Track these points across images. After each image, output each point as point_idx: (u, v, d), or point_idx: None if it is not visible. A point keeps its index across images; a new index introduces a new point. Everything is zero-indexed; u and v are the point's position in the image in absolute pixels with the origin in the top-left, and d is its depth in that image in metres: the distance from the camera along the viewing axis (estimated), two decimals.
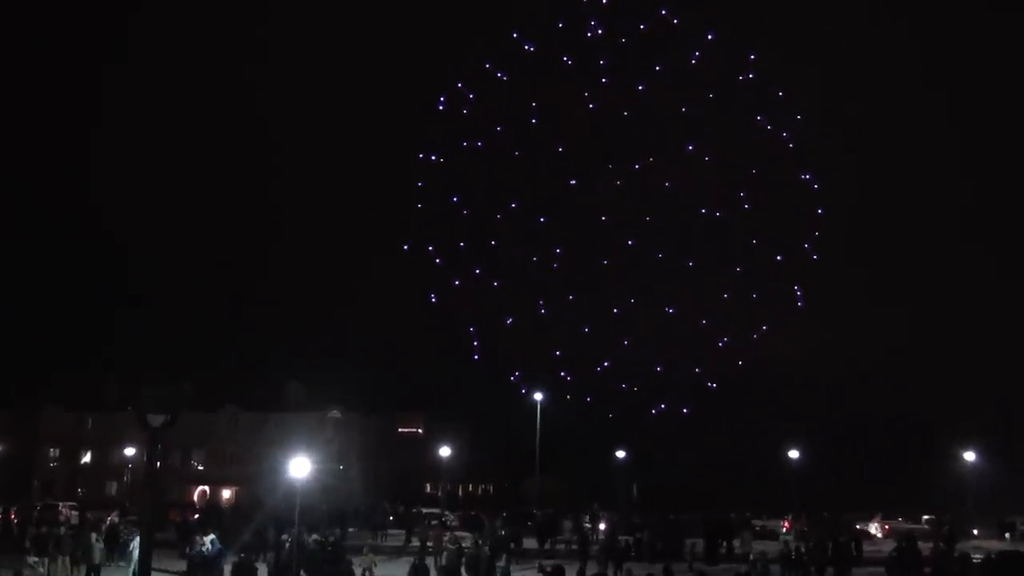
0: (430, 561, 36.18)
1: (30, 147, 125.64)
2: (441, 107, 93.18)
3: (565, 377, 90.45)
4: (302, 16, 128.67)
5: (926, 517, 60.19)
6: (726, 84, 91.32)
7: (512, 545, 41.60)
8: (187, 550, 34.79)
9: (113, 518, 45.72)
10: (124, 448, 79.63)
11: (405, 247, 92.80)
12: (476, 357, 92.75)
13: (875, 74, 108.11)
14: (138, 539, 28.62)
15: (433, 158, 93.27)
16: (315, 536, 36.04)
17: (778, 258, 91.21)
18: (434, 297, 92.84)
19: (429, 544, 43.86)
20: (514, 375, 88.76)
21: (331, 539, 36.27)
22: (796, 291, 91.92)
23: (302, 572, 32.14)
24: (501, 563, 32.75)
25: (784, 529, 58.77)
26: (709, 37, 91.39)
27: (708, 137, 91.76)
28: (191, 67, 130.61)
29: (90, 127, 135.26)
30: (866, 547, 45.49)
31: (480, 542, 36.77)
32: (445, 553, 36.47)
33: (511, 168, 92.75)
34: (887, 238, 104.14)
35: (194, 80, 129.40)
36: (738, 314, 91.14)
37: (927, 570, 36.13)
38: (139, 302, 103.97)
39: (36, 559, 32.97)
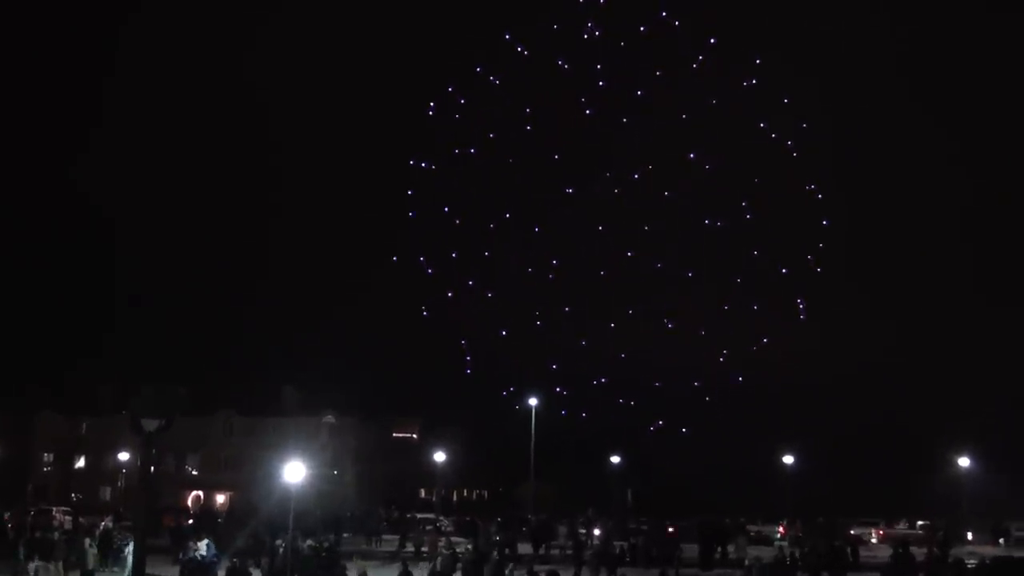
0: (423, 566, 36.22)
1: (27, 146, 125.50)
2: (431, 112, 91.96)
3: (561, 392, 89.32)
4: (296, 19, 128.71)
5: (921, 522, 60.21)
6: (728, 90, 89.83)
7: (507, 551, 41.57)
8: (181, 555, 34.78)
9: (107, 523, 45.65)
10: (118, 453, 79.42)
11: (394, 258, 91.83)
12: (468, 372, 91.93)
13: (877, 78, 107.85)
14: (132, 544, 28.58)
15: (424, 165, 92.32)
16: (309, 541, 36.02)
17: (783, 271, 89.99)
18: (425, 311, 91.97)
19: (424, 549, 43.83)
20: (508, 390, 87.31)
21: (325, 544, 36.25)
22: (798, 304, 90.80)
23: None
24: (508, 570, 32.81)
25: (779, 534, 58.79)
26: (711, 41, 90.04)
27: (709, 144, 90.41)
28: (189, 69, 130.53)
29: (88, 129, 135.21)
30: (862, 552, 45.56)
31: (484, 548, 36.82)
32: (439, 558, 36.46)
33: (505, 176, 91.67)
34: (884, 243, 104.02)
35: (191, 83, 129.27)
36: (738, 326, 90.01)
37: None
38: (134, 305, 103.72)
39: (41, 563, 32.88)
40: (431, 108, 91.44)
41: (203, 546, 33.36)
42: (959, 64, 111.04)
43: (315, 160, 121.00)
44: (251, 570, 32.54)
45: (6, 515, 55.48)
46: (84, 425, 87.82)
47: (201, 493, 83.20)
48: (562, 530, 53.66)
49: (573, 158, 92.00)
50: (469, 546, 39.62)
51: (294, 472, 32.92)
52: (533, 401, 68.31)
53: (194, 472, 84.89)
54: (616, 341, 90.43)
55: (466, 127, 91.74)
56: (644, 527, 56.44)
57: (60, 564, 34.48)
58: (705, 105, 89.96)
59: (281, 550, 33.73)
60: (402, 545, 50.06)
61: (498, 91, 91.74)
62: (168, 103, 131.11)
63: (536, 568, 33.48)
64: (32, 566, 32.44)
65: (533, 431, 67.34)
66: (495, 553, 34.79)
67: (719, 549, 46.92)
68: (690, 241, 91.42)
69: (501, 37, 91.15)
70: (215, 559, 33.16)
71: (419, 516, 64.52)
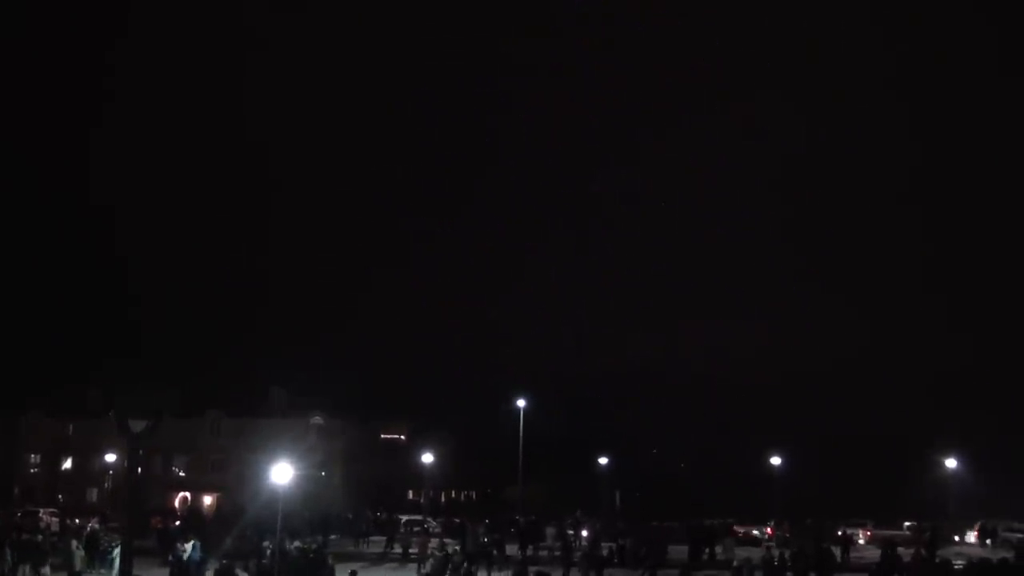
0: (412, 568, 36.25)
1: (23, 147, 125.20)
2: (413, 115, 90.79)
3: (551, 402, 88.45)
4: (288, 21, 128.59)
5: (908, 523, 60.39)
6: (732, 93, 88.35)
7: (495, 552, 41.58)
8: (169, 557, 34.66)
9: (94, 524, 45.48)
10: (105, 454, 79.05)
11: (371, 272, 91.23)
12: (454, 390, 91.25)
13: (878, 81, 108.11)
14: (119, 546, 28.48)
15: (406, 172, 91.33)
16: (297, 543, 35.98)
17: (789, 293, 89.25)
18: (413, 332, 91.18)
19: (412, 551, 43.72)
20: (499, 408, 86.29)
21: (313, 546, 36.20)
22: (804, 323, 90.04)
23: None
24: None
25: (767, 535, 58.94)
26: (716, 43, 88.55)
27: (710, 151, 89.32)
28: (183, 73, 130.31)
29: (85, 135, 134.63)
30: (851, 553, 45.76)
31: (473, 549, 36.93)
32: (430, 560, 36.46)
33: (498, 183, 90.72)
34: (875, 247, 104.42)
35: (187, 89, 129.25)
36: (738, 337, 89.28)
37: None
38: (123, 306, 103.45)
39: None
40: (414, 112, 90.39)
41: (190, 547, 33.28)
42: (960, 75, 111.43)
43: (308, 164, 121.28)
44: (239, 571, 32.47)
45: None
46: (71, 426, 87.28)
47: (188, 495, 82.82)
48: (550, 531, 53.61)
49: (566, 166, 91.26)
50: (457, 547, 39.66)
51: (282, 473, 32.84)
52: (521, 403, 68.22)
53: (181, 473, 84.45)
54: (610, 355, 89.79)
55: (452, 133, 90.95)
56: (632, 528, 56.45)
57: (46, 566, 34.35)
58: (707, 110, 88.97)
59: (269, 551, 33.67)
60: (388, 546, 50.00)
61: (489, 95, 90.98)
62: (167, 109, 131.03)
63: (518, 569, 33.64)
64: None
65: (522, 433, 67.29)
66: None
67: (707, 550, 47.04)
68: (690, 251, 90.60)
69: (488, 37, 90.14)
70: (202, 561, 33.08)
71: (405, 518, 64.29)
